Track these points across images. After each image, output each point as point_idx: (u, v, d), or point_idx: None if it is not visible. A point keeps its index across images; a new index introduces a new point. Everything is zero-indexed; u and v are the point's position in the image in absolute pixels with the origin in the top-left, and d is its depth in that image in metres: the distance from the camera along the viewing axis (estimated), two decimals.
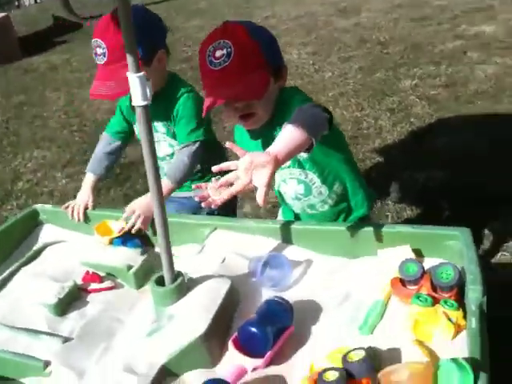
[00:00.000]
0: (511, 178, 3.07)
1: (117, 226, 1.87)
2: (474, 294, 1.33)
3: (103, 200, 3.28)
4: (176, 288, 1.45)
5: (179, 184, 1.96)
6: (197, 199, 1.40)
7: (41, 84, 5.92)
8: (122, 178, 3.53)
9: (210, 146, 2.04)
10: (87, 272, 1.71)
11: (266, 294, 1.60)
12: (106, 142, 2.14)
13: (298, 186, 1.75)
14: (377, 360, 1.24)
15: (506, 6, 6.73)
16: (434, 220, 2.77)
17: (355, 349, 1.24)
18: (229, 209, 2.17)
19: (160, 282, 1.48)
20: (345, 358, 1.22)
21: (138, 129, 1.29)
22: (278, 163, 1.20)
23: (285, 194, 1.82)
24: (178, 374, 1.35)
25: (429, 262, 1.54)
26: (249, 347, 1.37)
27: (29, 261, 1.80)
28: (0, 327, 1.50)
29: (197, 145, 1.95)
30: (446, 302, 1.36)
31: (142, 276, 1.73)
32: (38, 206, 2.05)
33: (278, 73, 1.61)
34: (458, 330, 1.32)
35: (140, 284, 1.72)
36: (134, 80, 1.20)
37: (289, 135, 1.28)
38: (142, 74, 1.21)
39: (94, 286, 1.69)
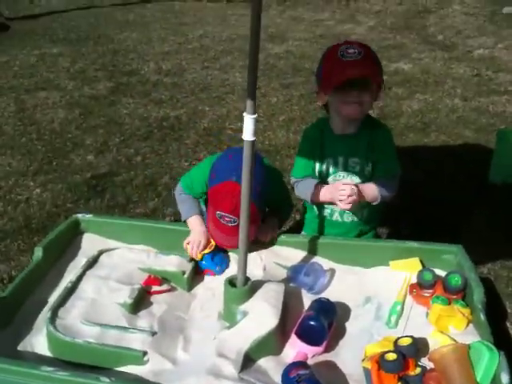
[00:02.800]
0: (443, 203, 3.64)
1: None
2: (479, 295, 1.79)
3: (84, 210, 3.41)
4: (248, 289, 1.76)
5: None
6: None
7: None
8: (100, 190, 3.67)
9: None
10: (149, 276, 1.95)
11: (305, 296, 1.96)
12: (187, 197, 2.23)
13: None
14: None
15: (415, 45, 7.60)
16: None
17: (402, 337, 1.63)
18: None
19: (232, 284, 1.78)
20: (396, 343, 1.60)
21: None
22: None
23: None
24: (255, 360, 1.66)
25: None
26: (309, 338, 1.71)
27: (90, 266, 2.00)
28: (89, 324, 1.72)
29: None
30: (457, 302, 1.80)
31: (192, 280, 2.01)
32: (79, 216, 2.23)
33: (378, 93, 2.07)
34: (468, 322, 1.76)
35: (190, 286, 2.00)
36: (249, 120, 1.52)
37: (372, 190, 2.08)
38: (255, 116, 1.53)
39: (155, 288, 1.93)
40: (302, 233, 2.40)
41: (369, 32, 8.61)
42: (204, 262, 2.08)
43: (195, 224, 2.14)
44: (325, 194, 2.11)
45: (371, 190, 2.09)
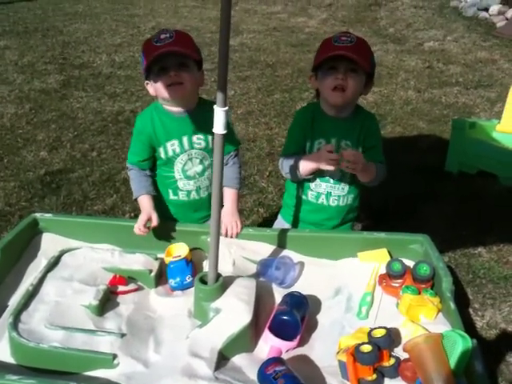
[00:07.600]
0: (401, 193, 3.69)
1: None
2: (447, 284, 1.81)
3: (39, 208, 3.29)
4: (219, 286, 1.72)
5: None
6: None
7: None
8: (55, 187, 3.54)
9: None
10: (115, 276, 1.88)
11: (276, 290, 1.93)
12: (137, 172, 2.17)
13: (338, 173, 2.17)
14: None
15: (368, 38, 7.68)
16: None
17: (376, 328, 1.62)
18: None
19: (202, 281, 1.73)
20: (370, 334, 1.60)
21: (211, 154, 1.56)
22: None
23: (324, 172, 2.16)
24: (229, 358, 1.62)
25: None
26: (282, 332, 1.69)
27: (51, 267, 1.91)
28: (53, 328, 1.64)
29: None
30: (426, 291, 1.81)
31: (159, 278, 1.95)
32: (38, 215, 2.13)
33: (367, 82, 2.09)
34: (438, 311, 1.78)
35: (157, 285, 1.94)
36: (221, 113, 1.48)
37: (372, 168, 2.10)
38: (227, 108, 1.48)
39: (121, 288, 1.87)
40: (279, 218, 2.39)
41: (321, 25, 8.68)
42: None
43: (143, 203, 2.13)
44: (310, 160, 2.09)
45: (372, 168, 2.11)
